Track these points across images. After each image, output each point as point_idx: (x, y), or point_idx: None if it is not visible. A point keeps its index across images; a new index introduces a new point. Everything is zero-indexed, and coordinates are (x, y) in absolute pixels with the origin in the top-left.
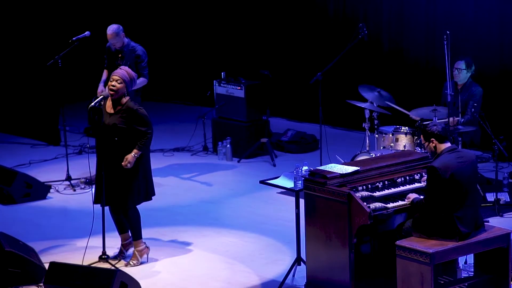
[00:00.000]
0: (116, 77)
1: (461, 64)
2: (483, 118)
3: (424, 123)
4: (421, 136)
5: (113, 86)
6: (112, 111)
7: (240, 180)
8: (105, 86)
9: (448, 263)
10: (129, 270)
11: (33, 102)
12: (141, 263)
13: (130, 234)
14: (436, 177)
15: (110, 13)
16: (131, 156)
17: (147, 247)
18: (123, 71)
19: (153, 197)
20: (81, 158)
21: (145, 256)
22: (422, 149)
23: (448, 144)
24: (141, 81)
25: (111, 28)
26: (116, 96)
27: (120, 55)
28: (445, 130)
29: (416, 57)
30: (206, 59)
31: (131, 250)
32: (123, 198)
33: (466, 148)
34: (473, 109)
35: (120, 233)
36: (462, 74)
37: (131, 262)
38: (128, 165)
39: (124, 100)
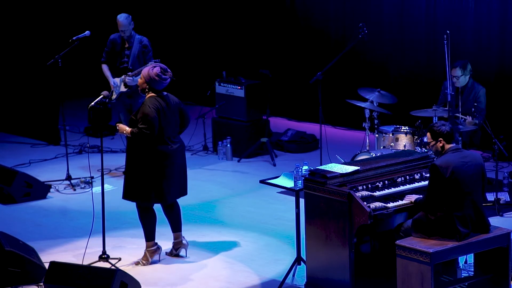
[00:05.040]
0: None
1: (457, 71)
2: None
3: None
4: (428, 134)
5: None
6: None
7: (240, 180)
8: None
9: (448, 262)
10: (129, 270)
11: (33, 101)
12: (152, 263)
13: (181, 234)
14: (437, 175)
15: (110, 13)
16: (124, 126)
17: (159, 248)
18: (146, 68)
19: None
20: (81, 157)
21: (156, 256)
22: (423, 148)
23: (454, 145)
24: None
25: (123, 16)
26: (139, 89)
27: (127, 45)
28: (452, 130)
29: (416, 57)
30: (206, 58)
31: (182, 251)
32: (131, 193)
33: (466, 148)
34: (483, 112)
35: (172, 231)
36: (461, 79)
37: (140, 262)
38: (117, 127)
39: (148, 95)
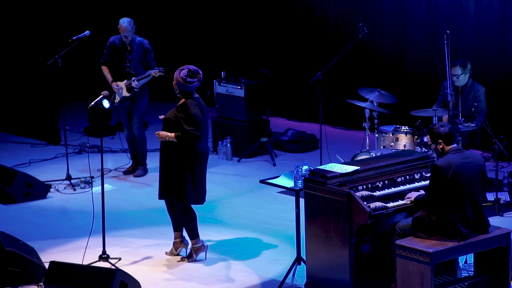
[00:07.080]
0: None
1: (457, 70)
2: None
3: (432, 125)
4: (428, 136)
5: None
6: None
7: (240, 180)
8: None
9: (448, 262)
10: (129, 270)
11: (33, 101)
12: (196, 260)
13: (182, 234)
14: (438, 176)
15: (110, 13)
16: (165, 133)
17: (204, 245)
18: (177, 71)
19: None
20: (81, 157)
21: (202, 253)
22: (422, 148)
23: (455, 145)
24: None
25: (126, 20)
26: (176, 92)
27: (129, 49)
28: (452, 130)
29: (416, 57)
30: (206, 58)
31: (182, 251)
32: (172, 194)
33: (466, 148)
34: (483, 112)
35: (173, 230)
36: (461, 78)
37: (186, 259)
38: (157, 136)
39: (182, 99)
